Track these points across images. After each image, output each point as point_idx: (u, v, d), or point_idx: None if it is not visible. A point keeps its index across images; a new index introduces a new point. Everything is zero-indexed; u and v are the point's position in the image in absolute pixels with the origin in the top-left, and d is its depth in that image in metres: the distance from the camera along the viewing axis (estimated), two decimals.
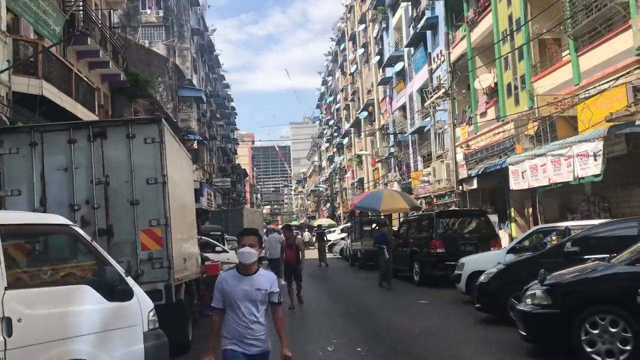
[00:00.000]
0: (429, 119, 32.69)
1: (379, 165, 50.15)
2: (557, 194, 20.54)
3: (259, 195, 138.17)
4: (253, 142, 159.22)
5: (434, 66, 26.17)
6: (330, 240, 40.64)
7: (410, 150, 37.96)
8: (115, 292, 5.37)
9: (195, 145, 44.91)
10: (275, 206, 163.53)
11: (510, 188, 21.93)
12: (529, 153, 20.33)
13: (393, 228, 26.23)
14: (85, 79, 21.01)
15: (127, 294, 5.50)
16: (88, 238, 5.58)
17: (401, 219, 27.77)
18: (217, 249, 19.29)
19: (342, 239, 34.90)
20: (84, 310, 5.04)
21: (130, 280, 5.66)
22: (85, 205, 8.04)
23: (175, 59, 47.69)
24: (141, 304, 5.58)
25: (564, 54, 20.89)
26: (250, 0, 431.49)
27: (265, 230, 36.67)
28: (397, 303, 13.36)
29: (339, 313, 12.29)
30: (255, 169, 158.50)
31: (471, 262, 12.54)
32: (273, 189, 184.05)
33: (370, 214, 27.33)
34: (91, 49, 22.49)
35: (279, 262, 21.98)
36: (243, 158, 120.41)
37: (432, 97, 23.30)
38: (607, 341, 6.78)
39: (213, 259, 15.70)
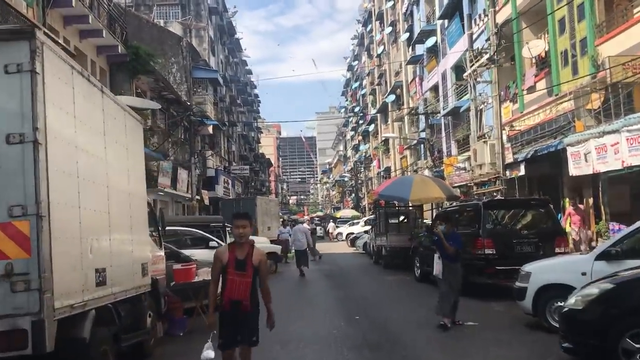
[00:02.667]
0: (465, 97, 28.86)
1: (407, 152, 46.46)
2: (628, 181, 16.72)
3: (284, 186, 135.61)
4: (279, 132, 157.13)
5: (475, 29, 22.28)
6: (354, 234, 37.47)
7: (443, 134, 34.07)
8: None
9: (210, 130, 41.74)
10: (302, 197, 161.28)
11: (569, 174, 18.17)
12: (596, 130, 16.52)
13: (424, 221, 22.59)
14: (60, 41, 17.76)
15: None
16: None
17: (435, 211, 24.06)
18: (212, 244, 15.88)
19: (366, 232, 31.31)
20: None
21: None
22: None
23: (191, 39, 44.59)
24: None
25: (637, 9, 17.01)
26: None
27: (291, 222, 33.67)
28: (435, 324, 9.73)
29: (352, 343, 8.62)
30: (281, 159, 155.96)
31: (541, 272, 8.89)
32: (299, 179, 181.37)
33: (396, 204, 23.70)
34: (78, 14, 19.34)
35: (305, 253, 20.43)
36: (268, 148, 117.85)
37: (472, 65, 19.49)
38: None
39: (197, 259, 12.35)
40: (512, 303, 10.70)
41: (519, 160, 21.49)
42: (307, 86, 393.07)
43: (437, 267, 10.08)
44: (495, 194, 20.92)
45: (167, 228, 15.98)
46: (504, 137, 21.62)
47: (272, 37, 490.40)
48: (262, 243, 22.42)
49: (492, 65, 18.21)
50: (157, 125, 28.10)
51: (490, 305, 11.44)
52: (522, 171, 21.23)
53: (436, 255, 10.21)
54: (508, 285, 11.72)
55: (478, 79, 20.39)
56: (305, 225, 25.05)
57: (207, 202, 37.23)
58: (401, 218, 22.59)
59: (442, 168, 32.12)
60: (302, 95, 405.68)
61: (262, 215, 30.28)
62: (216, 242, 16.20)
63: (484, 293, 12.09)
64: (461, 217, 14.14)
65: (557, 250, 12.16)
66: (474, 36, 22.42)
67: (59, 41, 17.63)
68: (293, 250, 21.74)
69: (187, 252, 14.77)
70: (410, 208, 23.34)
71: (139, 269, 7.28)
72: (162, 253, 9.14)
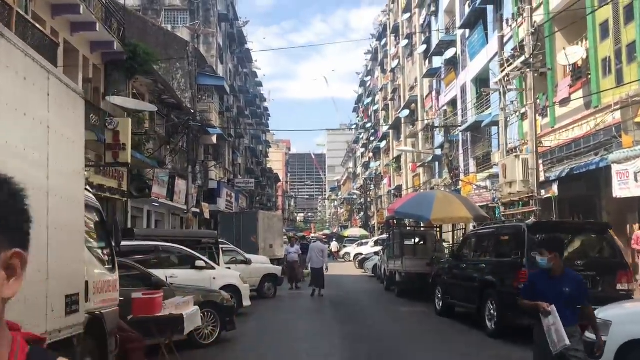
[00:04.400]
0: (488, 111, 26.66)
1: (420, 170, 44.17)
2: None
3: (292, 202, 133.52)
4: (289, 148, 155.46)
5: (506, 31, 20.08)
6: (362, 254, 35.08)
7: (461, 151, 31.75)
8: None
9: (214, 140, 39.77)
10: (309, 214, 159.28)
11: (613, 195, 15.84)
12: None
13: (444, 243, 20.19)
14: (37, 26, 15.69)
15: None
16: None
17: (460, 232, 21.70)
18: (199, 263, 13.62)
19: (376, 253, 28.89)
20: None
21: None
22: None
23: (199, 46, 42.77)
24: None
25: None
26: (291, 9, 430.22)
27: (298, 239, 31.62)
28: None
29: None
30: (289, 175, 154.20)
31: (626, 321, 6.56)
32: (307, 196, 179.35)
33: (409, 223, 21.34)
34: (67, 2, 17.32)
35: (321, 272, 19.09)
36: (276, 163, 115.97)
37: (504, 70, 17.26)
38: None
39: (174, 284, 10.08)
40: None
41: (551, 179, 19.22)
42: (319, 104, 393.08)
43: (560, 331, 5.08)
44: (519, 216, 18.59)
45: (148, 243, 13.81)
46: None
47: (284, 54, 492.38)
48: (261, 263, 20.20)
49: (528, 70, 15.96)
50: (153, 131, 26.04)
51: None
52: (555, 191, 18.94)
53: (552, 317, 5.14)
54: None
55: (509, 87, 18.14)
56: (320, 243, 23.55)
57: (207, 215, 35.02)
58: (416, 240, 20.19)
59: (459, 187, 29.75)
60: (313, 113, 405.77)
61: (265, 231, 27.94)
62: (204, 261, 13.93)
63: (528, 337, 9.70)
64: (497, 241, 11.78)
65: (619, 287, 9.79)
66: (506, 34, 20.22)
67: (45, 32, 15.66)
68: (309, 268, 20.72)
69: (169, 272, 12.58)
70: (422, 228, 21.07)
71: (61, 305, 5.00)
72: (114, 277, 6.85)
